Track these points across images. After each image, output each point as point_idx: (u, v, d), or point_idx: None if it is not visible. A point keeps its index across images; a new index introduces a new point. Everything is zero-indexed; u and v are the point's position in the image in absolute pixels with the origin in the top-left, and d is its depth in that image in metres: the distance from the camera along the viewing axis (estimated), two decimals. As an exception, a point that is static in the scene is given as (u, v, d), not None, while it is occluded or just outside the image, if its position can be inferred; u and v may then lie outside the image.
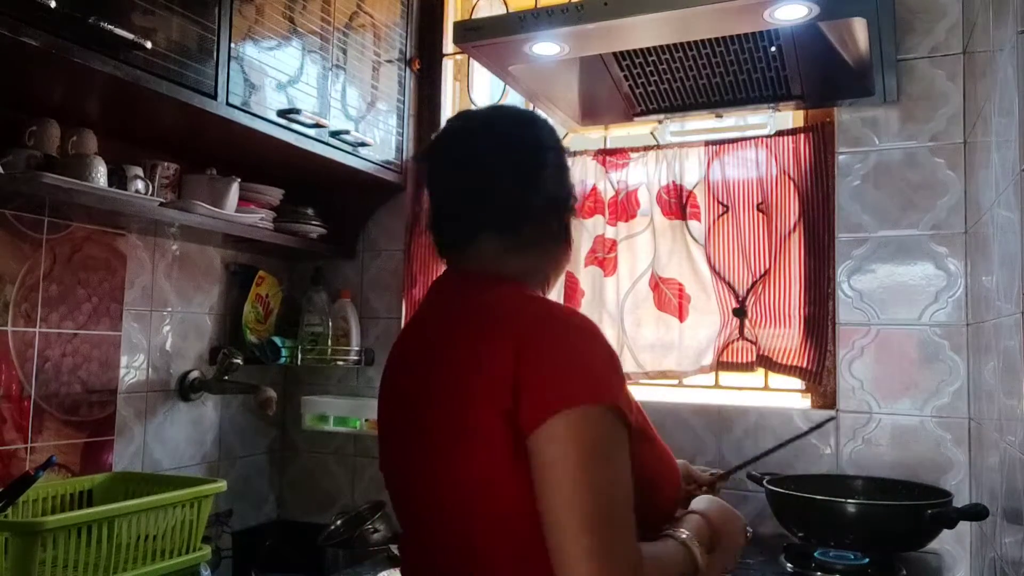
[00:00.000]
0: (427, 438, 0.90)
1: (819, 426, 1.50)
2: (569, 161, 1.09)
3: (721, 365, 1.89)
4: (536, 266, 1.00)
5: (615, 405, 0.82)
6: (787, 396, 1.92)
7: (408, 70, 2.17)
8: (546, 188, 0.98)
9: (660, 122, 1.98)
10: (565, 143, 2.18)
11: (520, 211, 0.97)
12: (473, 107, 2.30)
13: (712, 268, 1.90)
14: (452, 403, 0.87)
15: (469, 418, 0.85)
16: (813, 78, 1.69)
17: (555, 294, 2.06)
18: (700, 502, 1.02)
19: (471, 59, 1.97)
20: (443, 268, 2.06)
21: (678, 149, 1.96)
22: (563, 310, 0.93)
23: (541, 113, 1.09)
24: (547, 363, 0.82)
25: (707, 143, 1.93)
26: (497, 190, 0.96)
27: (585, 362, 0.83)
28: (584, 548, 0.76)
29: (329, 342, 2.10)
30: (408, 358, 0.98)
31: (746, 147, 1.89)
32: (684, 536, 0.91)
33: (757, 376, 1.93)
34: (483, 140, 0.99)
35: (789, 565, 1.51)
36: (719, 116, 1.92)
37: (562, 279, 2.05)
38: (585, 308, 2.01)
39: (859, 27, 1.45)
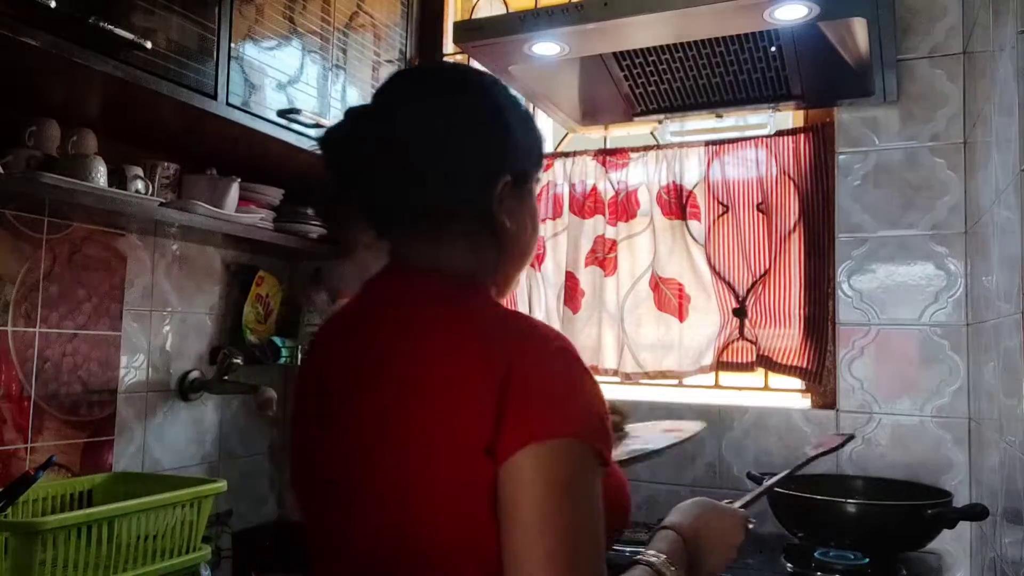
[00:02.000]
0: (384, 470, 0.78)
1: (841, 446, 1.37)
2: (524, 135, 0.92)
3: (721, 365, 1.90)
4: (471, 266, 0.88)
5: (592, 440, 0.75)
6: (787, 396, 1.92)
7: (408, 70, 2.17)
8: (470, 161, 0.86)
9: (660, 122, 1.98)
10: (566, 142, 2.19)
11: (435, 205, 0.87)
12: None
13: (712, 268, 1.90)
14: (425, 434, 0.77)
15: (446, 453, 0.76)
16: (813, 78, 1.69)
17: (554, 293, 2.07)
18: (678, 511, 0.96)
19: (471, 59, 1.97)
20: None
21: (678, 149, 1.96)
22: (551, 331, 0.82)
23: (479, 68, 0.98)
24: (535, 391, 0.75)
25: (707, 143, 1.93)
26: (408, 182, 0.86)
27: (576, 392, 0.77)
28: None
29: (329, 342, 2.10)
30: (349, 373, 0.85)
31: (746, 147, 1.89)
32: (655, 560, 0.84)
33: (757, 376, 1.93)
34: (397, 122, 0.87)
35: (789, 565, 1.51)
36: (719, 116, 1.92)
37: (558, 279, 2.05)
38: (585, 308, 2.01)
39: (859, 27, 1.45)
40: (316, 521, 0.87)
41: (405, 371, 0.80)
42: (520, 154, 0.91)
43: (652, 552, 0.85)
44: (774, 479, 1.18)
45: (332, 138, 0.89)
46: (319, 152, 0.90)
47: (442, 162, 0.86)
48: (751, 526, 1.00)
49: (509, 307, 0.90)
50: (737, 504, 1.04)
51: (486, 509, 0.74)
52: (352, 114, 0.89)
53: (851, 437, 1.35)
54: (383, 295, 0.89)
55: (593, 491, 0.76)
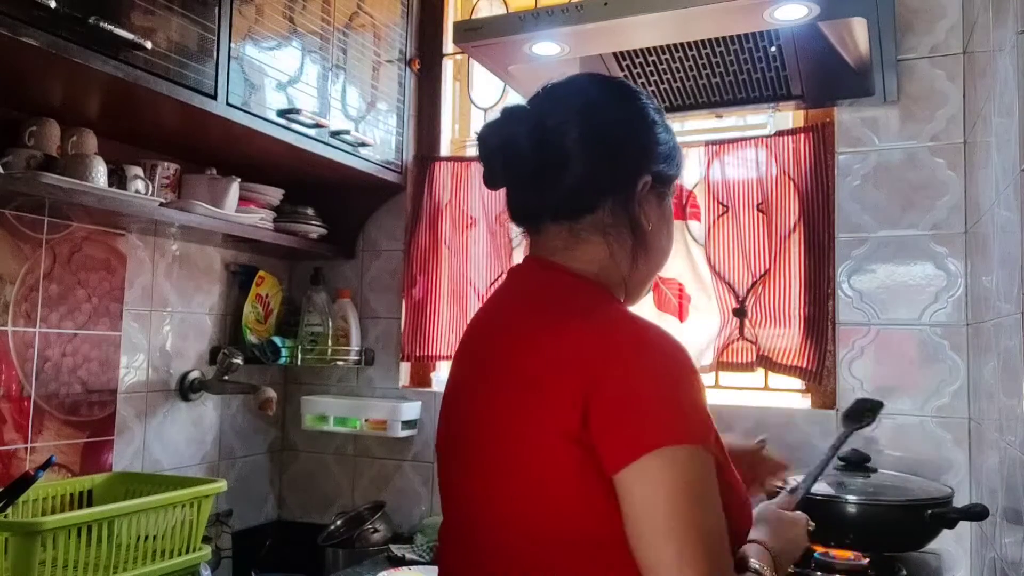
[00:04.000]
0: (484, 450, 0.87)
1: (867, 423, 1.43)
2: (666, 141, 0.97)
3: (721, 365, 1.89)
4: (604, 263, 0.92)
5: (705, 443, 0.79)
6: (787, 396, 1.92)
7: (408, 70, 2.17)
8: (616, 151, 0.92)
9: (660, 122, 1.98)
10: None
11: (575, 197, 0.92)
12: (476, 106, 2.30)
13: (712, 268, 1.90)
14: (512, 418, 0.84)
15: (530, 436, 0.82)
16: (813, 78, 1.69)
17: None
18: (760, 523, 0.98)
19: (471, 59, 1.97)
20: (441, 271, 2.09)
21: (678, 149, 1.96)
22: (651, 333, 0.85)
23: (632, 85, 1.02)
24: (634, 397, 0.78)
25: (707, 143, 1.93)
26: (551, 173, 0.91)
27: (676, 398, 0.80)
28: None
29: (329, 342, 2.11)
30: (475, 355, 0.94)
31: (746, 147, 1.89)
32: (758, 567, 0.88)
33: (757, 376, 1.93)
34: (546, 116, 0.93)
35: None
36: (719, 116, 1.92)
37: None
38: (585, 308, 2.01)
39: (859, 27, 1.45)
40: (445, 488, 0.96)
41: (507, 359, 0.87)
42: (662, 158, 0.95)
43: (753, 561, 0.89)
44: (812, 477, 1.22)
45: (487, 132, 0.95)
46: (476, 146, 0.97)
47: (588, 150, 0.91)
48: (811, 528, 1.05)
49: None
50: (793, 510, 1.07)
51: (571, 491, 0.79)
52: (506, 111, 0.95)
53: (879, 405, 1.38)
54: (514, 285, 0.97)
55: (713, 491, 0.79)
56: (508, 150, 0.92)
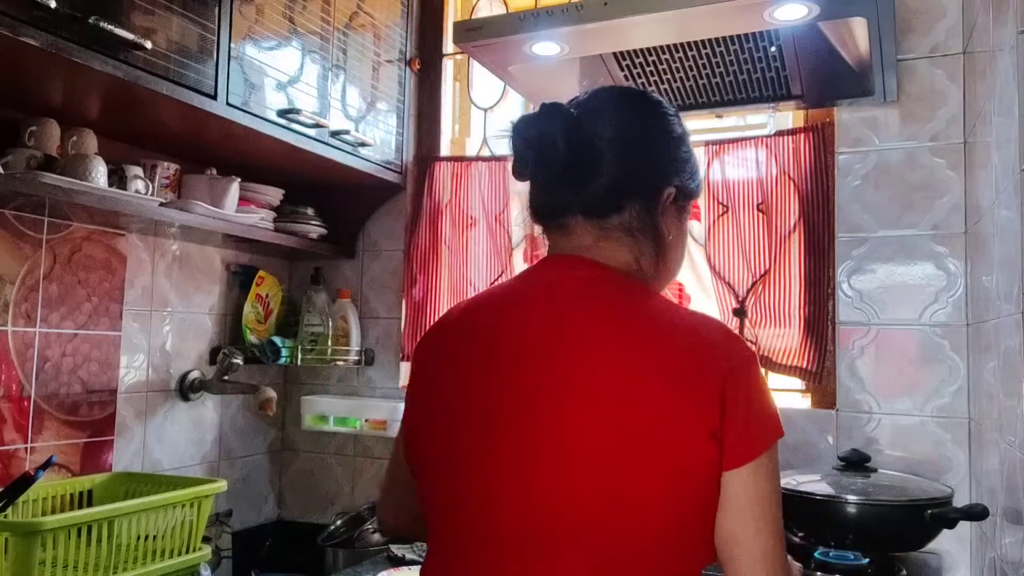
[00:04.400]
0: (570, 449, 0.82)
1: None
2: (691, 159, 1.04)
3: (721, 365, 1.89)
4: (633, 265, 0.94)
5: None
6: (787, 396, 1.92)
7: (408, 70, 2.17)
8: (645, 160, 0.96)
9: (660, 122, 1.98)
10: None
11: (606, 196, 0.94)
12: (476, 106, 2.31)
13: (712, 268, 1.90)
14: (639, 417, 0.81)
15: (669, 435, 0.80)
16: (813, 78, 1.69)
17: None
18: None
19: (471, 59, 1.97)
20: (441, 271, 2.08)
21: (678, 149, 1.96)
22: (736, 335, 0.92)
23: (654, 95, 1.06)
24: (755, 399, 0.84)
25: (707, 143, 1.93)
26: (584, 171, 0.94)
27: (770, 396, 0.87)
28: None
29: (329, 342, 2.11)
30: (516, 354, 0.87)
31: (746, 147, 1.89)
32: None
33: (757, 376, 1.93)
34: (583, 119, 0.95)
35: (789, 565, 1.50)
36: (719, 116, 1.92)
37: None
38: (585, 308, 2.01)
39: (859, 27, 1.45)
40: (468, 490, 0.87)
41: (604, 361, 0.83)
42: (687, 174, 1.01)
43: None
44: None
45: (524, 124, 0.96)
46: (509, 137, 0.98)
47: (622, 153, 0.94)
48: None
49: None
50: None
51: (692, 488, 0.81)
52: (546, 106, 0.96)
53: None
54: (558, 283, 0.92)
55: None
56: (543, 142, 0.93)
